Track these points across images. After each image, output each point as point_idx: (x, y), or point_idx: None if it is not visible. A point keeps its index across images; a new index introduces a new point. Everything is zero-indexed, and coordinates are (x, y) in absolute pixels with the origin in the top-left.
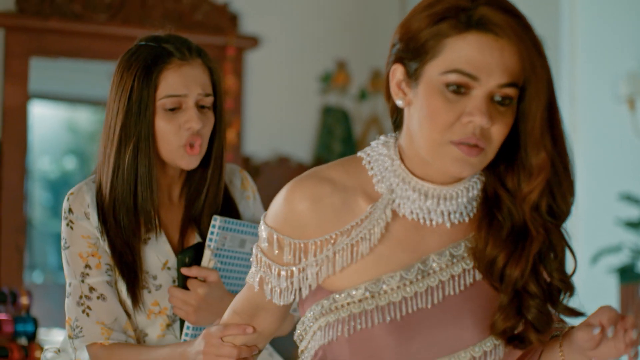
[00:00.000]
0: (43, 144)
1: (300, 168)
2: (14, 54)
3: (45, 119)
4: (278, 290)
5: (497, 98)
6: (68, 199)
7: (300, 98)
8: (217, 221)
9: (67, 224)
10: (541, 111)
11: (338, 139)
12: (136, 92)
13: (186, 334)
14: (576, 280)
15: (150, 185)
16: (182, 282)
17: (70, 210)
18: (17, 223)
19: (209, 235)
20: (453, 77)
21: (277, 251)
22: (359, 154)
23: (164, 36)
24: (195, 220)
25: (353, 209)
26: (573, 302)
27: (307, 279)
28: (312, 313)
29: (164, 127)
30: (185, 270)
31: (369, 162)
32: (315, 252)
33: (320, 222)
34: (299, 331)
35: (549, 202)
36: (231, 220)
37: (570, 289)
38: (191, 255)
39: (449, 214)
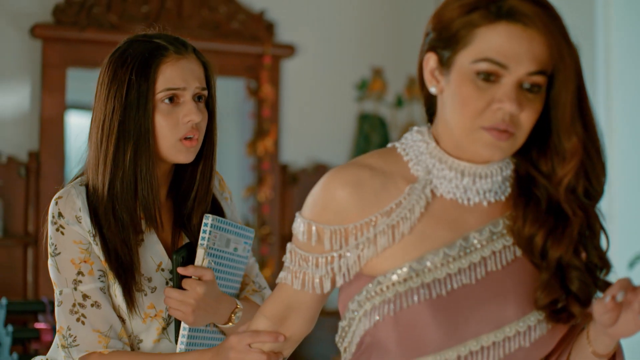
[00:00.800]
0: (81, 154)
1: None
2: (51, 65)
3: (82, 130)
4: (318, 280)
5: (526, 85)
6: (57, 203)
7: (336, 106)
8: (209, 219)
9: (57, 229)
10: (571, 98)
11: (375, 146)
12: (134, 86)
13: (183, 336)
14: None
15: (151, 182)
16: (178, 283)
17: (60, 215)
18: None
19: (201, 234)
20: (483, 66)
21: (315, 242)
22: (393, 144)
23: (154, 33)
24: (184, 221)
25: (392, 191)
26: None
27: (348, 263)
28: (355, 303)
29: (162, 122)
30: (182, 270)
31: (404, 150)
32: (357, 236)
33: (362, 205)
34: (340, 331)
35: (584, 184)
36: (221, 219)
37: (607, 265)
38: (184, 254)
39: (484, 192)
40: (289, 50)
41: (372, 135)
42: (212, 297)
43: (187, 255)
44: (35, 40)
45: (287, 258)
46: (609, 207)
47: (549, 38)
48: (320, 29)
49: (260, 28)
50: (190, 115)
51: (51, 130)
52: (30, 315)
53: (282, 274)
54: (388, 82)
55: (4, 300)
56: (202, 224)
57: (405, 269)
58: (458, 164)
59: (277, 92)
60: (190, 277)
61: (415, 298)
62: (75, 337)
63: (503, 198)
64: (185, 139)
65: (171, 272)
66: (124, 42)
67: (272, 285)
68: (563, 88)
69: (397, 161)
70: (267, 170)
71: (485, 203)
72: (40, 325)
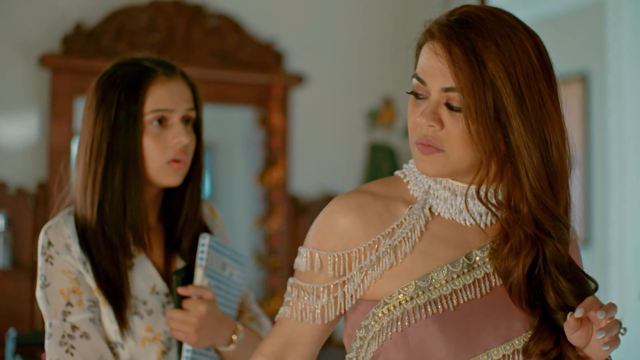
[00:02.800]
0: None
1: None
2: (60, 95)
3: None
4: (319, 310)
5: (445, 102)
6: (46, 233)
7: (346, 135)
8: (206, 239)
9: (46, 260)
10: (469, 114)
11: (385, 175)
12: (123, 107)
13: (186, 357)
14: (625, 315)
15: (139, 204)
16: (178, 303)
17: (49, 244)
18: None
19: (199, 254)
20: (414, 82)
21: (317, 270)
22: (396, 172)
23: (141, 57)
24: (175, 245)
25: (395, 214)
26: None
27: (352, 287)
28: (363, 329)
29: (150, 144)
30: (182, 290)
31: (405, 176)
32: (360, 259)
33: (366, 226)
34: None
35: (527, 203)
36: (217, 240)
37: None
38: (183, 275)
39: (480, 215)
40: (299, 79)
41: (383, 164)
42: (214, 316)
43: (185, 275)
44: (44, 69)
45: (287, 293)
46: (621, 237)
47: (449, 56)
48: (329, 58)
49: (270, 57)
50: (179, 137)
51: (60, 159)
52: (39, 346)
53: (281, 310)
54: (398, 111)
55: (12, 332)
56: (200, 244)
57: (411, 287)
58: (451, 184)
59: (287, 122)
60: (190, 297)
61: (423, 313)
62: None
63: (500, 223)
64: (174, 161)
65: (167, 295)
66: (111, 65)
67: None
68: (463, 106)
69: (397, 185)
70: (277, 201)
71: (482, 225)
72: None
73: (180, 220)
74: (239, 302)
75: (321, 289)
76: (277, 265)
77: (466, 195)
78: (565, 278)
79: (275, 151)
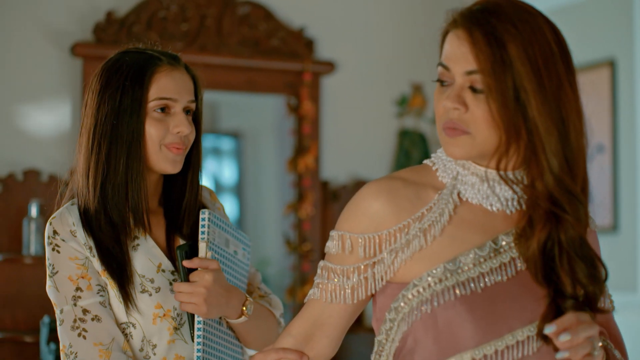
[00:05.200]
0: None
1: None
2: None
3: None
4: (350, 290)
5: (469, 85)
6: (51, 223)
7: (377, 122)
8: (205, 214)
9: (53, 249)
10: (492, 96)
11: (415, 162)
12: (128, 92)
13: (198, 329)
14: None
15: (140, 185)
16: (185, 277)
17: (55, 233)
18: None
19: (200, 229)
20: (439, 70)
21: (348, 252)
22: (424, 161)
23: (145, 47)
24: (177, 229)
25: (424, 199)
26: None
27: (383, 268)
28: (393, 311)
29: (151, 129)
30: (187, 263)
31: (433, 164)
32: (390, 242)
33: (397, 210)
34: (377, 346)
35: (544, 181)
36: (217, 216)
37: (597, 294)
38: (187, 249)
39: (507, 201)
40: (329, 66)
41: (413, 151)
42: (221, 285)
43: (189, 252)
44: (76, 59)
45: (317, 275)
46: None
47: (471, 39)
48: (359, 46)
49: (300, 45)
50: (180, 126)
51: None
52: None
53: (311, 291)
54: (428, 97)
55: (46, 318)
56: (200, 219)
57: (440, 269)
58: (479, 170)
59: (317, 109)
60: (197, 269)
61: (452, 295)
62: (77, 353)
63: (524, 207)
64: (172, 146)
65: (173, 272)
66: (117, 53)
67: None
68: (485, 87)
69: (427, 173)
70: (308, 187)
71: (508, 212)
72: None
73: (181, 206)
74: (247, 282)
75: (351, 269)
76: (308, 252)
77: (492, 180)
78: (578, 256)
79: (305, 138)
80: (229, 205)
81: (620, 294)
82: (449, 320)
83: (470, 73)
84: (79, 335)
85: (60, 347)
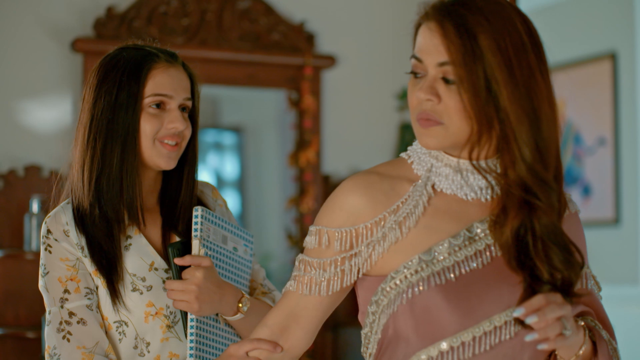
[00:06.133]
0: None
1: None
2: None
3: None
4: (325, 282)
5: (442, 76)
6: (46, 222)
7: (378, 115)
8: (198, 211)
9: (46, 249)
10: (463, 87)
11: None
12: (124, 87)
13: (191, 327)
14: None
15: (135, 181)
16: (177, 275)
17: (48, 232)
18: None
19: (193, 226)
20: (412, 62)
21: (324, 246)
22: (400, 155)
23: (143, 44)
24: (173, 225)
25: (399, 192)
26: None
27: (359, 261)
28: (374, 305)
29: (146, 125)
30: (178, 260)
31: (409, 157)
32: (367, 236)
33: (374, 204)
34: (363, 339)
35: (517, 170)
36: (211, 212)
37: (573, 279)
38: (180, 247)
39: (481, 189)
40: (330, 60)
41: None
42: (213, 282)
43: (182, 250)
44: (76, 54)
45: (295, 268)
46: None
47: (442, 31)
48: (360, 39)
49: (301, 39)
50: (175, 122)
51: None
52: None
53: (288, 283)
54: None
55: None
56: (193, 216)
57: (415, 260)
58: (451, 160)
59: (318, 103)
60: (189, 267)
61: (427, 285)
62: (60, 355)
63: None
64: (166, 143)
65: (166, 271)
66: (115, 49)
67: None
68: (456, 78)
69: (402, 166)
70: (309, 181)
71: (483, 199)
72: None
73: (177, 203)
74: (249, 279)
75: (328, 262)
76: None
77: (465, 169)
78: (552, 242)
79: (307, 132)
80: (231, 200)
81: (621, 286)
82: (425, 309)
83: (442, 64)
84: (64, 337)
85: (45, 348)
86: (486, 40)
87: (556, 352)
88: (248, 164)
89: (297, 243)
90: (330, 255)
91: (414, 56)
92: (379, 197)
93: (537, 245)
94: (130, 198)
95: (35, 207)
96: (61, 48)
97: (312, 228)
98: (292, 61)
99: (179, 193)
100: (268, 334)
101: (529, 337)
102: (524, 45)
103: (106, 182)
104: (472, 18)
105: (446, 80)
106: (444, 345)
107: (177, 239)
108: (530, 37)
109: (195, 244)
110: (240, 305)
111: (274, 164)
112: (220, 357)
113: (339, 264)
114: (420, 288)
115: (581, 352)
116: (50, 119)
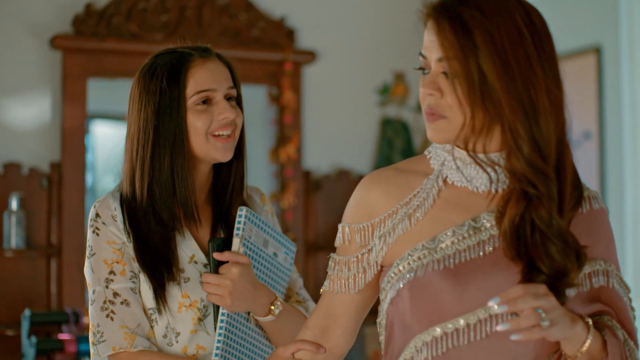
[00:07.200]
0: (107, 163)
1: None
2: (71, 76)
3: (108, 139)
4: (352, 279)
5: (442, 71)
6: (94, 207)
7: (359, 111)
8: (243, 211)
9: (94, 231)
10: (458, 81)
11: (398, 150)
12: (166, 93)
13: (222, 321)
14: None
15: (187, 182)
16: (215, 270)
17: (97, 216)
18: (78, 243)
19: (236, 225)
20: (420, 59)
21: (347, 242)
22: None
23: (175, 47)
24: (223, 217)
25: (413, 185)
26: None
27: (374, 256)
28: (383, 292)
29: (197, 122)
30: (217, 255)
31: (429, 152)
32: (380, 228)
33: (389, 198)
34: (378, 327)
35: (516, 160)
36: (256, 215)
37: (569, 270)
38: (220, 243)
39: (491, 182)
40: (310, 56)
41: (395, 140)
42: (248, 280)
43: (222, 246)
44: (55, 51)
45: (328, 267)
46: (635, 210)
47: (437, 28)
48: (341, 35)
49: (281, 35)
50: (225, 113)
51: (72, 140)
52: (54, 326)
53: (324, 284)
54: (410, 86)
55: (27, 312)
56: (237, 216)
57: (419, 248)
58: (462, 155)
59: (299, 99)
60: (227, 263)
61: (426, 270)
62: (103, 333)
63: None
64: (220, 136)
65: (205, 265)
66: (150, 58)
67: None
68: (452, 73)
69: (421, 162)
70: (290, 177)
71: (493, 191)
72: (64, 336)
73: (227, 193)
74: (286, 286)
75: (352, 259)
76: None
77: (472, 162)
78: (550, 233)
79: (287, 128)
80: None
81: None
82: (422, 296)
83: (440, 60)
84: (107, 316)
85: (90, 326)
86: (480, 34)
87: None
88: None
89: None
90: (353, 251)
91: (420, 53)
92: (393, 191)
93: (534, 235)
94: (184, 198)
95: (14, 204)
96: (40, 45)
97: (339, 226)
98: (272, 57)
99: (228, 184)
100: (310, 335)
101: (500, 327)
102: (521, 37)
103: (158, 187)
104: (467, 13)
105: (446, 75)
106: (438, 331)
107: (222, 235)
108: (530, 29)
109: (235, 242)
110: (272, 307)
111: (254, 159)
112: (268, 358)
113: (360, 260)
114: (420, 273)
115: (584, 348)
116: (30, 117)
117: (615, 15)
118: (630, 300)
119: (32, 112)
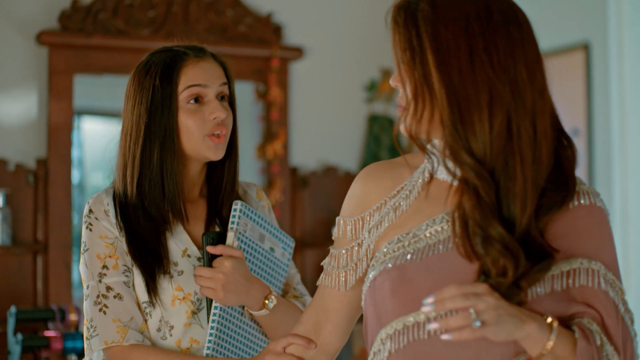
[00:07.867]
0: (96, 160)
1: (348, 177)
2: (58, 72)
3: (97, 135)
4: (343, 277)
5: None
6: (89, 203)
7: (346, 107)
8: (237, 205)
9: (87, 227)
10: (408, 77)
11: (385, 147)
12: (158, 90)
13: (214, 314)
14: (630, 288)
15: (176, 179)
16: (208, 263)
17: (90, 212)
18: (64, 239)
19: (231, 219)
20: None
21: (341, 235)
22: None
23: (172, 45)
24: (217, 214)
25: (404, 179)
26: None
27: (364, 250)
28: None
29: (188, 121)
30: (210, 248)
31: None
32: (369, 221)
33: (380, 190)
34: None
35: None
36: (251, 209)
37: (507, 268)
38: (214, 237)
39: (453, 175)
40: (297, 52)
41: (382, 136)
42: (241, 274)
43: (217, 240)
44: (42, 47)
45: (326, 260)
46: (623, 208)
47: (392, 23)
48: (328, 31)
49: (268, 31)
50: (216, 112)
51: (59, 137)
52: (40, 323)
53: (320, 277)
54: None
55: (13, 309)
56: (232, 209)
57: (394, 241)
58: (436, 146)
59: (286, 95)
60: (221, 256)
61: (404, 259)
62: (96, 327)
63: None
64: (213, 135)
65: (199, 259)
66: (146, 55)
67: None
68: (399, 63)
69: (418, 156)
70: (277, 174)
71: (453, 183)
72: (50, 333)
73: (220, 192)
74: (283, 281)
75: (342, 251)
76: None
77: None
78: (480, 228)
79: (274, 124)
80: None
81: None
82: (387, 289)
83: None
84: (100, 310)
85: (84, 321)
86: (425, 27)
87: None
88: None
89: None
90: (344, 244)
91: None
92: (386, 183)
93: (476, 231)
94: (172, 195)
95: (0, 200)
96: (26, 41)
97: (336, 220)
98: (259, 53)
99: (222, 182)
100: (303, 330)
101: (429, 327)
102: (468, 31)
103: (148, 183)
104: (420, 8)
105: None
106: (400, 324)
107: (217, 230)
108: (483, 21)
109: (230, 236)
110: (266, 301)
111: (241, 156)
112: (260, 353)
113: (348, 252)
114: (389, 265)
115: (547, 348)
116: (16, 113)
117: (604, 12)
118: (625, 302)
119: (18, 108)
